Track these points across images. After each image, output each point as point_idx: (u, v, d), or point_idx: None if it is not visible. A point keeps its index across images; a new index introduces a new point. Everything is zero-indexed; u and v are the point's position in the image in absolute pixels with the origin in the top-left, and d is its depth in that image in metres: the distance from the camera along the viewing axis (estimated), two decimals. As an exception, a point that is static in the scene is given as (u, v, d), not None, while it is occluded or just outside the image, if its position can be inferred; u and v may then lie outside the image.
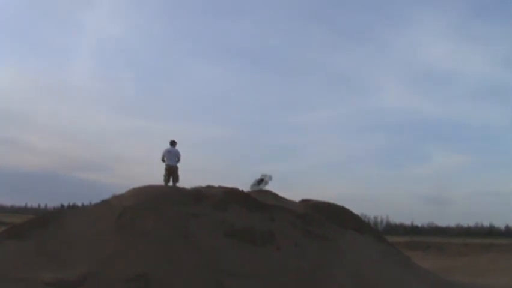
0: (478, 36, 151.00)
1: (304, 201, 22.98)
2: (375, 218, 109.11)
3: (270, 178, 23.75)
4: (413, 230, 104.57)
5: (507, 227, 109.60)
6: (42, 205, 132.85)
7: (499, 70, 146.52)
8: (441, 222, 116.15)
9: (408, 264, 22.61)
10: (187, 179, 21.46)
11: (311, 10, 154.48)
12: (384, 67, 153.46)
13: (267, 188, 23.68)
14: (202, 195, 18.97)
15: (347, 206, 23.83)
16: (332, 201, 23.73)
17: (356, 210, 28.50)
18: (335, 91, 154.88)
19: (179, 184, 20.56)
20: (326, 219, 20.80)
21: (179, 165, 20.70)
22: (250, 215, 18.31)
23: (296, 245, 17.26)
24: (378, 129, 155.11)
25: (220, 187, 20.36)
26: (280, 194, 22.56)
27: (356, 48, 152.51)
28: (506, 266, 42.62)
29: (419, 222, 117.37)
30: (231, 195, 19.47)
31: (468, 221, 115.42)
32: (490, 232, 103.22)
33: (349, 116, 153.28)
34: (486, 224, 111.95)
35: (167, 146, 20.68)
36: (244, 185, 21.88)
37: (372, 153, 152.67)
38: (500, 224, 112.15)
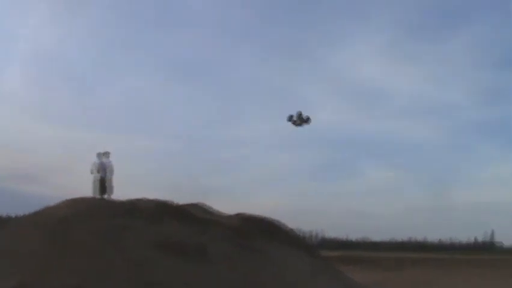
0: (411, 56, 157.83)
1: (238, 215, 23.68)
2: (310, 232, 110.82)
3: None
4: (347, 245, 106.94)
5: (440, 242, 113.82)
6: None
7: (431, 89, 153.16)
8: (376, 237, 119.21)
9: (341, 278, 23.66)
10: (121, 191, 21.93)
11: (248, 25, 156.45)
12: (319, 84, 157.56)
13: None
14: (135, 207, 19.53)
15: (283, 220, 24.80)
16: (267, 215, 24.60)
17: (291, 224, 29.62)
18: (271, 106, 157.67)
19: (113, 196, 21.06)
20: (259, 233, 21.59)
21: (112, 176, 21.17)
22: (183, 227, 19.00)
23: (229, 258, 18.00)
24: (313, 144, 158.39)
25: (153, 200, 20.91)
26: (217, 207, 23.29)
27: (292, 64, 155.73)
28: (438, 279, 44.90)
29: (354, 236, 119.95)
30: (164, 208, 20.12)
31: (402, 236, 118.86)
32: (424, 246, 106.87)
33: (285, 131, 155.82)
34: (420, 238, 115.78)
35: (100, 157, 21.14)
36: (179, 197, 22.37)
37: (308, 168, 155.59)
38: (433, 238, 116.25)
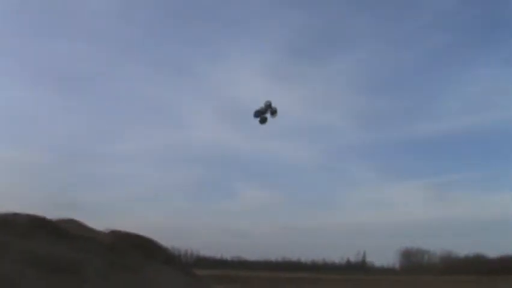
0: (291, 77, 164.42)
1: (113, 232, 23.97)
2: (185, 250, 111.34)
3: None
4: (222, 263, 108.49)
5: (313, 262, 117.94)
6: None
7: (309, 111, 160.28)
8: (250, 256, 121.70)
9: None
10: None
11: (127, 38, 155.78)
12: (199, 101, 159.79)
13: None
14: (6, 222, 19.38)
15: (157, 238, 25.44)
16: (142, 232, 25.10)
17: (166, 242, 30.26)
18: (149, 122, 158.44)
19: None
20: (134, 250, 22.06)
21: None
22: (57, 243, 19.09)
23: (103, 275, 18.37)
24: (190, 162, 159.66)
25: (25, 214, 20.74)
26: (90, 224, 23.49)
27: (172, 80, 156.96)
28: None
29: (228, 255, 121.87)
30: (37, 223, 20.07)
31: (276, 255, 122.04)
32: (298, 266, 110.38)
33: (163, 148, 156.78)
34: (294, 258, 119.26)
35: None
36: (52, 212, 22.36)
37: (183, 186, 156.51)
38: (306, 258, 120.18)
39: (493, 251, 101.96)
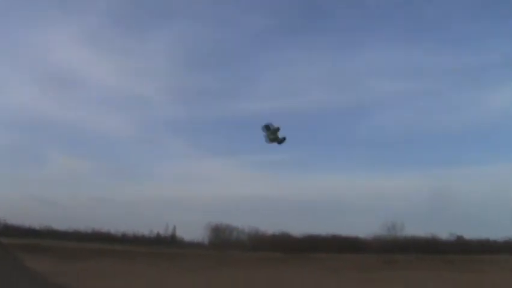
0: (111, 47, 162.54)
1: None
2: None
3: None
4: (30, 232, 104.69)
5: (123, 234, 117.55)
6: None
7: (125, 82, 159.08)
8: (59, 226, 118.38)
9: (19, 266, 24.29)
10: None
11: None
12: (12, 64, 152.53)
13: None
14: None
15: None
16: None
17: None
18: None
19: None
20: None
21: None
22: None
23: None
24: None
25: None
26: None
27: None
28: (124, 269, 47.74)
29: (37, 224, 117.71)
30: None
31: (86, 226, 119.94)
32: (107, 238, 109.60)
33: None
34: (104, 229, 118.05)
35: None
36: None
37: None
38: (116, 230, 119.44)
39: (297, 230, 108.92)
